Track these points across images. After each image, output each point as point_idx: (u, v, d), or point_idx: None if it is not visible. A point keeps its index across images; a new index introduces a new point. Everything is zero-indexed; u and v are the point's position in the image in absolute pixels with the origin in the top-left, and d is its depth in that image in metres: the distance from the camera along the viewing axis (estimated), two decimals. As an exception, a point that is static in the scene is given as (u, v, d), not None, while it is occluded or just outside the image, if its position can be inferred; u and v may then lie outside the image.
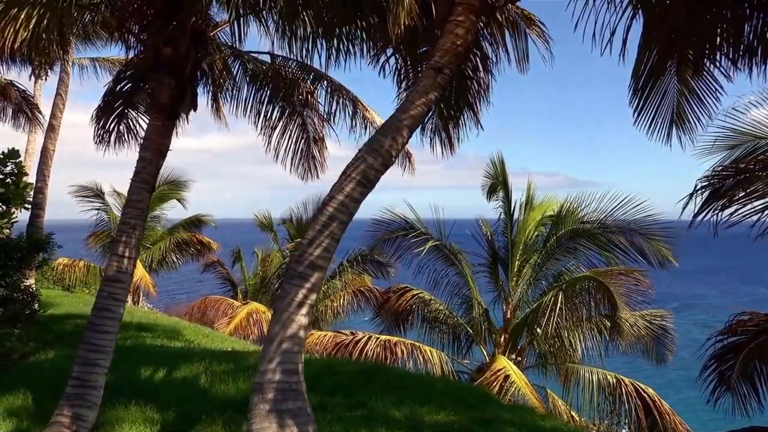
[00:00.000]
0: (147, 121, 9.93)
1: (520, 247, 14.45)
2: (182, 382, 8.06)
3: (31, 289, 11.20)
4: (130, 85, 9.40)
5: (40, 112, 17.98)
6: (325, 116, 10.13)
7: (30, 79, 18.44)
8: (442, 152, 7.67)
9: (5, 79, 17.42)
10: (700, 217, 6.47)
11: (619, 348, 13.51)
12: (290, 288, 4.71)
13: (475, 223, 15.59)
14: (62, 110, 16.58)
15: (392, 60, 8.20)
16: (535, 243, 14.48)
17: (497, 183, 15.13)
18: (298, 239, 19.10)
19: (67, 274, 20.08)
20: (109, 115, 9.61)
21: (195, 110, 7.63)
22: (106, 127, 9.73)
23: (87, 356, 6.53)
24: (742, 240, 7.10)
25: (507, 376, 11.23)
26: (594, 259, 13.62)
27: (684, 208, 6.37)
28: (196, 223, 22.29)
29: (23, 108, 17.90)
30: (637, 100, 6.79)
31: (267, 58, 9.32)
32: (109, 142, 9.84)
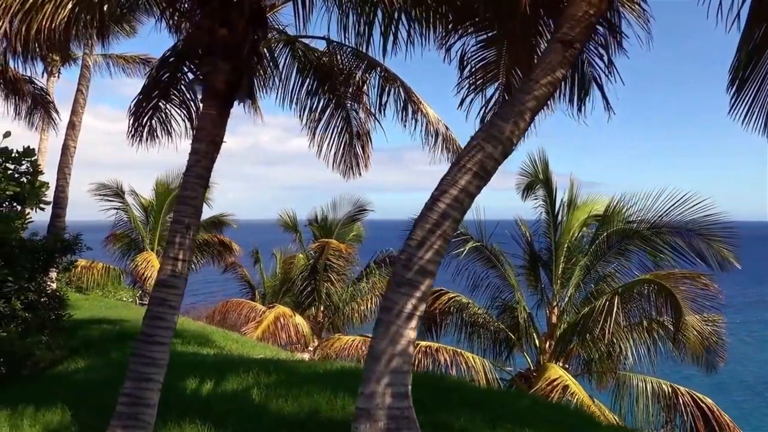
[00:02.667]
0: (182, 114, 9.57)
1: (564, 249, 13.78)
2: (233, 396, 7.39)
3: (58, 293, 10.55)
4: (168, 74, 8.78)
5: (55, 110, 17.33)
6: (374, 108, 9.47)
7: (42, 76, 17.84)
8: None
9: (21, 75, 16.81)
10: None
11: (668, 354, 12.88)
12: (398, 297, 4.05)
13: (515, 223, 14.95)
14: (83, 106, 15.94)
15: (457, 45, 7.63)
16: (581, 244, 13.79)
17: (536, 181, 14.47)
18: (333, 246, 18.44)
19: (85, 276, 19.45)
20: (145, 109, 9.00)
21: (251, 98, 6.96)
22: (140, 120, 9.12)
23: (140, 370, 5.86)
24: None
25: (566, 387, 10.54)
26: (644, 262, 12.96)
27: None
28: (216, 223, 21.61)
29: (39, 105, 17.28)
30: (735, 88, 6.11)
31: (316, 45, 8.66)
32: (141, 137, 9.24)
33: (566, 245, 13.74)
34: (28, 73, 17.17)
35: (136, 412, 5.73)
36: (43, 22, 6.56)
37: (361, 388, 4.03)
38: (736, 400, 27.31)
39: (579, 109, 5.22)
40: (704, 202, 11.75)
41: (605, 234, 13.15)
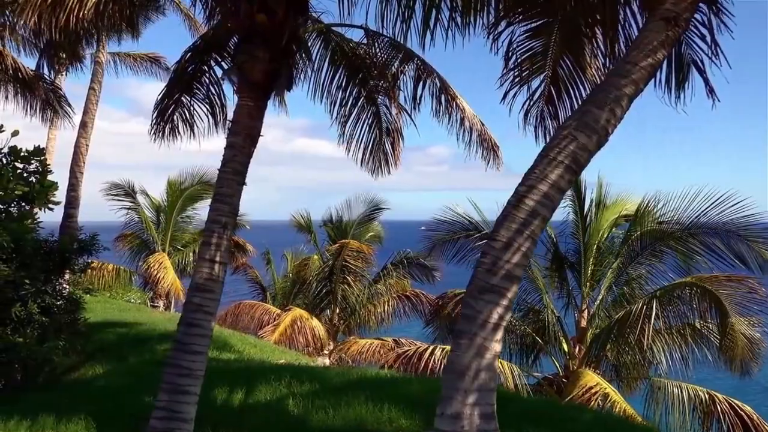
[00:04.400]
0: (205, 110, 9.15)
1: (594, 250, 13.32)
2: (267, 406, 6.95)
3: (75, 296, 10.11)
4: (192, 67, 8.37)
5: (68, 104, 16.88)
6: (407, 103, 9.03)
7: (49, 74, 17.41)
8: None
9: (33, 71, 16.40)
10: None
11: (696, 359, 12.41)
12: (482, 306, 3.60)
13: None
14: (96, 104, 15.52)
15: (503, 36, 7.21)
16: (612, 245, 13.33)
17: (564, 180, 13.98)
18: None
19: (96, 278, 19.01)
20: (168, 104, 8.60)
21: (290, 89, 6.52)
22: (163, 116, 8.72)
23: (175, 382, 5.43)
24: None
25: (606, 395, 10.07)
26: (676, 263, 12.50)
27: None
28: (229, 224, 21.09)
29: (51, 102, 16.84)
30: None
31: (352, 35, 8.22)
32: (163, 133, 8.84)
33: (595, 246, 13.28)
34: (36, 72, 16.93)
35: (172, 427, 5.31)
36: (73, 10, 6.18)
37: (441, 408, 3.58)
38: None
39: (678, 96, 4.77)
40: (743, 202, 11.30)
41: (637, 235, 12.68)
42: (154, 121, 8.58)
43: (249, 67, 6.04)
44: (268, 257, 23.27)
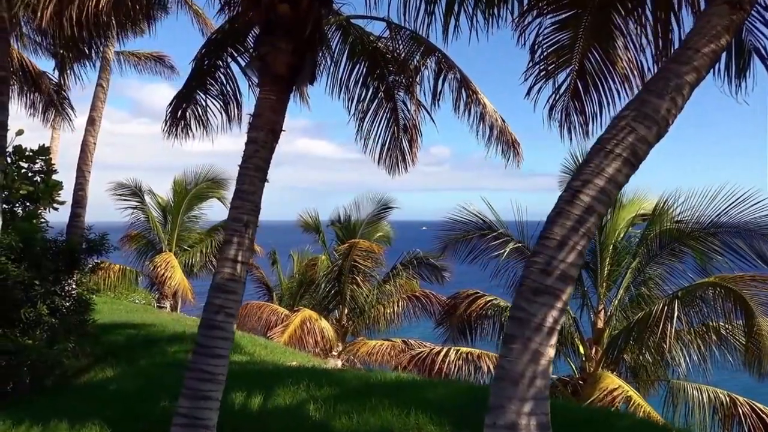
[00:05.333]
0: (218, 106, 8.93)
1: (610, 250, 13.08)
2: (288, 411, 6.72)
3: (84, 297, 9.89)
4: (207, 62, 8.15)
5: (70, 106, 16.64)
6: (425, 99, 8.80)
7: (53, 72, 17.19)
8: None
9: (39, 69, 16.19)
10: None
11: (714, 360, 12.17)
12: (536, 309, 3.37)
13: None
14: (103, 101, 15.27)
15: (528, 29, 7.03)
16: (629, 245, 13.09)
17: (578, 179, 13.77)
18: (370, 246, 17.66)
19: (101, 278, 18.76)
20: (182, 100, 8.40)
21: (312, 83, 6.30)
22: (177, 114, 8.51)
23: (197, 387, 5.20)
24: None
25: (629, 398, 9.83)
26: (695, 263, 12.26)
27: None
28: (237, 223, 20.79)
29: (54, 102, 16.61)
30: None
31: (372, 29, 7.99)
32: (177, 130, 8.63)
33: (612, 246, 13.04)
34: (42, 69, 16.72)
35: (195, 434, 5.07)
36: (90, 4, 5.98)
37: (491, 417, 3.35)
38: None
39: (738, 86, 4.54)
40: (765, 201, 11.06)
41: (655, 234, 12.45)
42: (168, 118, 8.36)
43: (272, 59, 5.81)
44: (274, 257, 23.05)
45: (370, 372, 8.72)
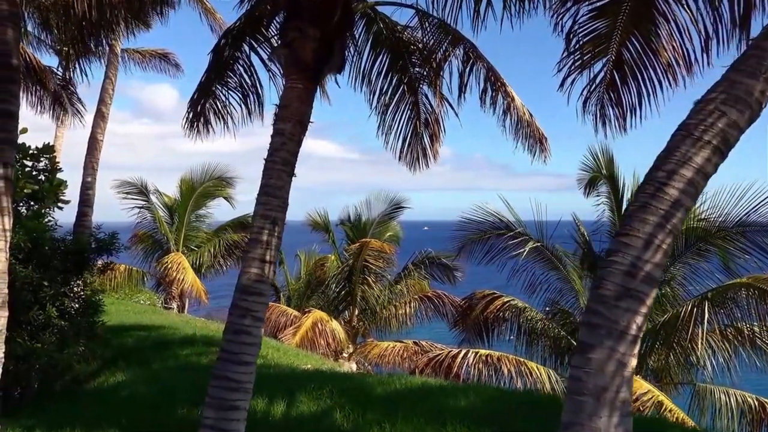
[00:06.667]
0: (237, 98, 8.58)
1: (632, 250, 12.70)
2: (313, 420, 6.37)
3: (93, 298, 9.53)
4: (226, 53, 7.78)
5: (80, 101, 16.28)
6: (451, 91, 8.43)
7: (57, 69, 16.84)
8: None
9: (43, 65, 15.82)
10: None
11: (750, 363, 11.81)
12: (619, 314, 3.02)
13: (574, 222, 13.95)
14: (112, 96, 14.93)
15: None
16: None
17: (598, 177, 13.45)
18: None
19: (108, 279, 18.38)
20: (201, 95, 8.04)
21: (341, 71, 5.94)
22: (196, 108, 8.16)
23: (223, 397, 4.84)
24: None
25: (660, 404, 9.47)
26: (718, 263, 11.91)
27: None
28: (245, 224, 20.45)
29: (61, 99, 16.25)
30: None
31: (399, 18, 7.63)
32: (198, 127, 8.27)
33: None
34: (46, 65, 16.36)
35: (222, 447, 4.72)
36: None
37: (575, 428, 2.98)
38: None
39: None
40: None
41: (680, 233, 12.08)
42: (188, 114, 8.00)
43: (299, 45, 5.46)
44: (281, 258, 22.70)
45: (392, 377, 8.34)
